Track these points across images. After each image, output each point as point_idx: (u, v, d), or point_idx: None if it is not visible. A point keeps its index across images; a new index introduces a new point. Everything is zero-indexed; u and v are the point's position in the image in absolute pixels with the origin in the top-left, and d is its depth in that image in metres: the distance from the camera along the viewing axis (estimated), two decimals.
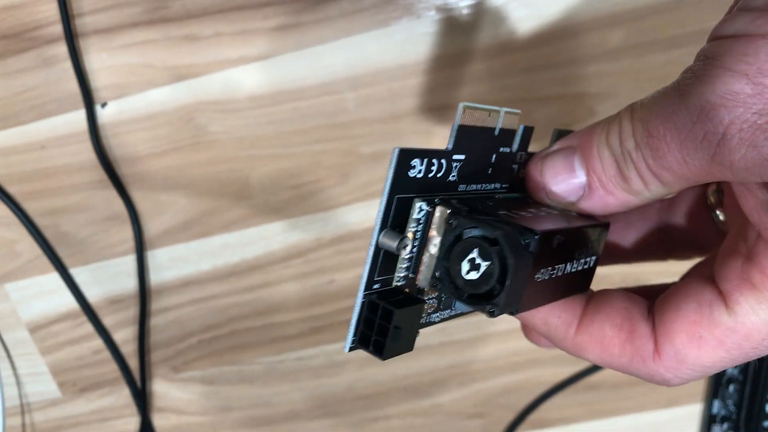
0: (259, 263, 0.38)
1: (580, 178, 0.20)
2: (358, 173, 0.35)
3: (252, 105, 0.34)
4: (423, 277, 0.19)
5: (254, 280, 0.38)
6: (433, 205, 0.19)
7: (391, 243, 0.18)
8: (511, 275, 0.17)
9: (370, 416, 0.41)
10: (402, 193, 0.18)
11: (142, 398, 0.42)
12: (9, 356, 0.42)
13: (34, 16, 0.33)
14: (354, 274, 0.38)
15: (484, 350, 0.39)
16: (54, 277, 0.39)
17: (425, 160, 0.18)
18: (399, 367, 0.40)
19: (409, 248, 0.19)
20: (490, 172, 0.21)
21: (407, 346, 0.19)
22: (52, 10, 0.33)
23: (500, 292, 0.17)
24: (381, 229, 0.18)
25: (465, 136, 0.19)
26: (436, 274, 0.19)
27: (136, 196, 0.37)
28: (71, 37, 0.33)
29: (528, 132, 0.22)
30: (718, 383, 0.37)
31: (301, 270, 0.38)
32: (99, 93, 0.35)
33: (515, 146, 0.21)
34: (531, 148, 0.22)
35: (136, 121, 0.35)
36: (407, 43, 0.33)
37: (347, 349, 0.18)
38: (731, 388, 0.37)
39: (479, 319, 0.38)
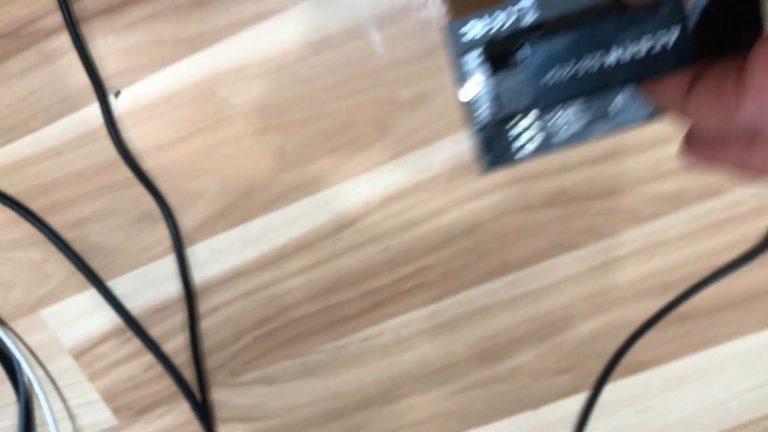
0: (307, 241, 0.35)
1: (730, 98, 0.18)
2: (399, 123, 0.33)
3: (274, 66, 0.32)
4: None
5: (304, 262, 0.36)
6: None
7: None
8: None
9: (447, 390, 0.38)
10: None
11: (203, 411, 0.39)
12: (57, 388, 0.39)
13: (29, 8, 0.31)
14: (410, 236, 0.35)
15: (560, 297, 0.36)
16: (91, 294, 0.37)
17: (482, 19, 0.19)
18: (471, 331, 0.37)
19: None
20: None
21: None
22: None
23: None
24: None
25: None
26: None
27: (166, 190, 0.34)
28: (73, 24, 0.30)
29: None
30: None
31: (353, 241, 0.35)
32: (110, 81, 0.32)
33: None
34: None
35: (153, 106, 0.32)
36: None
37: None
38: None
39: (546, 264, 0.35)
